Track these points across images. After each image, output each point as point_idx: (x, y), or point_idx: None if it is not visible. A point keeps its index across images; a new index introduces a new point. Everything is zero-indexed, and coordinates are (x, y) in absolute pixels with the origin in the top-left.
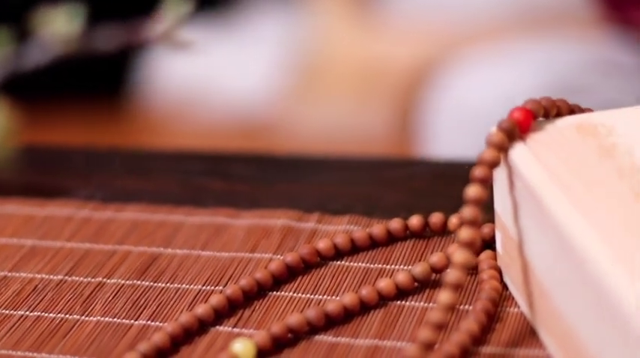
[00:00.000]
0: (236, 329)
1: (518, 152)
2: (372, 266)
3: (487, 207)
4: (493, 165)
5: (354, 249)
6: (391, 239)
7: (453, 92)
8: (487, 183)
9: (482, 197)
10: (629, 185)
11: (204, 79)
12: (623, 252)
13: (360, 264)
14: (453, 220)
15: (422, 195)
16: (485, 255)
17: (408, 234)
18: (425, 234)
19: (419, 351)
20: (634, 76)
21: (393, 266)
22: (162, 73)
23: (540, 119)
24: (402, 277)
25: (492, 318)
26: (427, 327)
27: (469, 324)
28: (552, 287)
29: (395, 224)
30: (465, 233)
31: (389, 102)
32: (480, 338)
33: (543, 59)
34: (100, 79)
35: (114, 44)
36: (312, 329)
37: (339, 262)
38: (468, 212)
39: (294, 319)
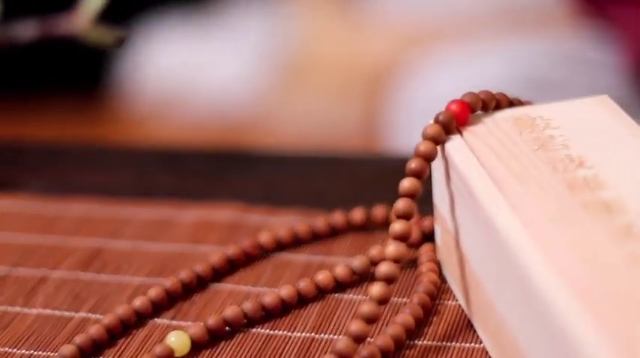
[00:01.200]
0: (174, 322)
1: (454, 144)
2: (313, 259)
3: (429, 200)
4: (428, 157)
5: (296, 241)
6: (333, 232)
7: (424, 87)
8: (422, 176)
9: (416, 190)
10: (563, 178)
11: (185, 75)
12: (551, 244)
13: (301, 256)
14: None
15: (369, 188)
16: (425, 248)
17: (350, 227)
18: (368, 227)
19: (349, 344)
20: (605, 71)
21: (334, 259)
22: (144, 68)
23: (479, 112)
24: (340, 270)
25: (429, 311)
26: (358, 320)
27: (404, 317)
28: (485, 279)
29: (337, 217)
30: (398, 226)
31: (368, 98)
32: (416, 331)
33: (514, 55)
34: (81, 72)
35: (30, 36)
36: (249, 321)
37: (281, 255)
38: (401, 205)
39: (230, 312)
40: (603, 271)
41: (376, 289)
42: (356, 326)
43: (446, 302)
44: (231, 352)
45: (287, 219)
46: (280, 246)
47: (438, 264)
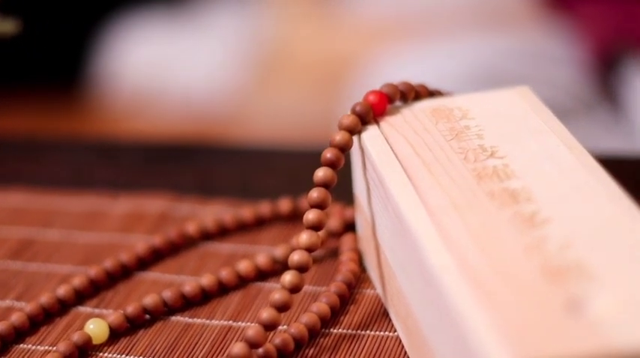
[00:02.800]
0: (97, 310)
1: (370, 135)
2: (238, 248)
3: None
4: (344, 148)
5: (223, 231)
6: (260, 222)
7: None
8: (337, 166)
9: (331, 180)
10: (473, 167)
11: (161, 70)
12: (452, 232)
13: (227, 246)
14: None
15: (302, 180)
16: (346, 237)
17: (276, 218)
18: (295, 217)
19: (259, 331)
20: (566, 66)
21: (258, 248)
22: (120, 63)
23: (397, 103)
24: (261, 259)
25: (347, 300)
26: (269, 308)
27: (320, 306)
28: (395, 268)
29: (264, 207)
30: (311, 215)
31: (339, 93)
32: (332, 319)
33: (476, 51)
34: (57, 67)
35: None
36: (168, 309)
37: (207, 244)
38: (315, 194)
39: (149, 300)
40: (500, 258)
41: (288, 278)
42: (267, 314)
43: (365, 291)
44: (149, 339)
45: (216, 209)
46: (206, 236)
47: (359, 254)
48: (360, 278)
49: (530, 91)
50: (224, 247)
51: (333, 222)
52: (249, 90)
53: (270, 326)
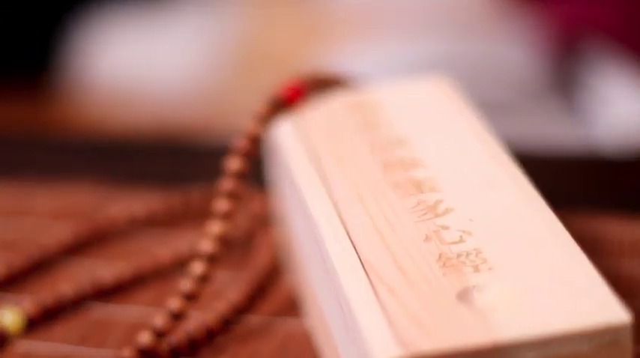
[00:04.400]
0: (17, 299)
1: (282, 126)
2: (160, 237)
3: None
4: (255, 138)
5: (151, 220)
6: (188, 211)
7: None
8: (249, 156)
9: (242, 169)
10: (380, 158)
11: (133, 67)
12: (353, 222)
13: (150, 235)
14: None
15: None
16: (263, 227)
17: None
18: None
19: (166, 320)
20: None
21: (181, 237)
22: (92, 59)
23: (313, 94)
24: (180, 248)
25: (260, 289)
26: (177, 298)
27: (232, 294)
28: (304, 259)
29: (194, 196)
30: (221, 204)
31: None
32: (246, 308)
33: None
34: (26, 61)
35: None
36: (86, 299)
37: (131, 233)
38: (226, 184)
39: (67, 289)
40: (399, 248)
41: (197, 267)
42: (174, 303)
43: (280, 280)
44: (65, 329)
45: (144, 198)
46: (133, 225)
47: (275, 243)
48: (275, 267)
49: (450, 81)
50: (148, 236)
51: (250, 212)
52: (222, 89)
53: (177, 315)
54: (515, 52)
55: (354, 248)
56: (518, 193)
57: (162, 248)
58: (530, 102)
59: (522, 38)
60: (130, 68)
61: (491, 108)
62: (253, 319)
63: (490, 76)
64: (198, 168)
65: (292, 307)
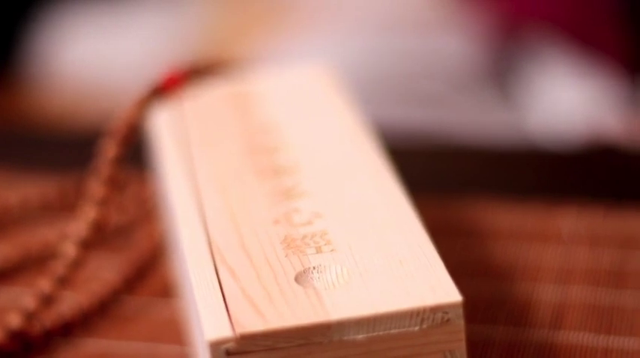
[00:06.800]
0: None
1: (160, 112)
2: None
3: None
4: (132, 124)
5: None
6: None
7: None
8: (125, 142)
9: (118, 155)
10: (248, 144)
11: (94, 65)
12: (211, 205)
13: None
14: None
15: None
16: (146, 212)
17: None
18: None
19: (35, 303)
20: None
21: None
22: (53, 56)
23: (195, 82)
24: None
25: (140, 272)
26: (46, 279)
27: (111, 275)
28: (173, 243)
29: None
30: (95, 189)
31: None
32: (121, 290)
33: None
34: None
35: None
36: None
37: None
38: (101, 169)
39: None
40: (248, 231)
41: (67, 248)
42: (45, 285)
43: (161, 264)
44: None
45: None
46: (26, 210)
47: (157, 228)
48: (157, 251)
49: (330, 69)
50: (42, 221)
51: (137, 197)
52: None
53: (48, 299)
54: (455, 43)
55: (206, 231)
56: (374, 180)
57: (53, 232)
58: (466, 94)
59: (465, 30)
60: (94, 60)
61: (428, 99)
62: (130, 301)
63: (428, 68)
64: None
65: (169, 290)
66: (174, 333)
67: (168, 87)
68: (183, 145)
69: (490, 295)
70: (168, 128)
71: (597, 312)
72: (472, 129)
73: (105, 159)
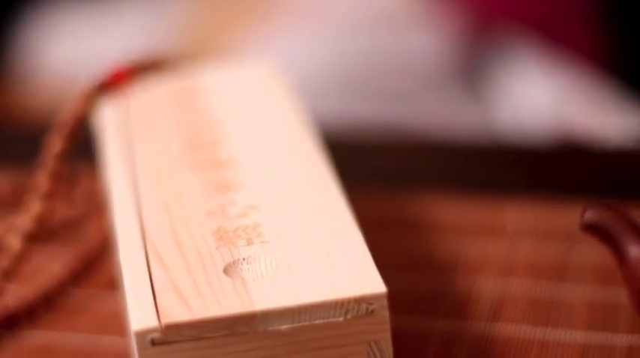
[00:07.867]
0: None
1: (105, 107)
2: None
3: None
4: (79, 118)
5: None
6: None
7: None
8: (71, 137)
9: (61, 149)
10: (189, 139)
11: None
12: (147, 198)
13: None
14: None
15: None
16: (95, 205)
17: None
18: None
19: None
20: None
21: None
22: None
23: (141, 78)
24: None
25: (87, 265)
26: None
27: (57, 268)
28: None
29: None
30: (40, 182)
31: None
32: (68, 282)
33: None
34: None
35: None
36: None
37: None
38: (45, 163)
39: None
40: (182, 223)
41: (14, 242)
42: None
43: (109, 258)
44: None
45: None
46: None
47: (106, 221)
48: (105, 244)
49: (272, 66)
50: None
51: (88, 191)
52: None
53: None
54: (427, 41)
55: (141, 223)
56: (310, 174)
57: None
58: (436, 91)
59: (436, 28)
60: (77, 59)
61: (398, 96)
62: (77, 293)
63: (399, 65)
64: None
65: (115, 283)
66: (118, 325)
67: (114, 82)
68: (126, 139)
69: (431, 288)
70: (112, 123)
71: (537, 305)
72: (439, 126)
73: (50, 153)
